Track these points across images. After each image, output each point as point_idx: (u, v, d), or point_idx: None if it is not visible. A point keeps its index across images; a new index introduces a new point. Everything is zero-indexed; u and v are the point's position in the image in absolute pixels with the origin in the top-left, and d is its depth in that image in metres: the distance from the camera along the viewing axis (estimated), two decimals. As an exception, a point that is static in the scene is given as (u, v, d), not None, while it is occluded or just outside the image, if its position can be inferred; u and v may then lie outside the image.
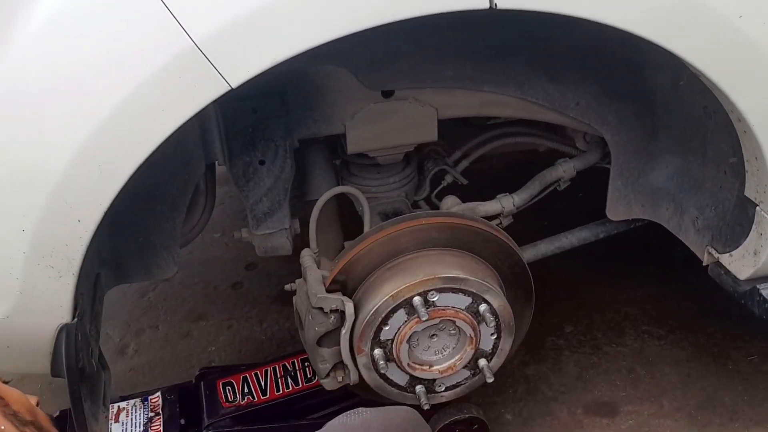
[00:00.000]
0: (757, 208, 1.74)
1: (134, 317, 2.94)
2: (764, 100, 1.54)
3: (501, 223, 2.20)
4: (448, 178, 2.37)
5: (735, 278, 1.89)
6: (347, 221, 2.50)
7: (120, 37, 1.28)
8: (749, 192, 1.75)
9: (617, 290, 2.86)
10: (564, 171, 2.26)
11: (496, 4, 1.33)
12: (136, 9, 1.27)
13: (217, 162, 1.99)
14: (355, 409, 1.67)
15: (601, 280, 2.91)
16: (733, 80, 1.51)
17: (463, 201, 2.21)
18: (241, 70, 1.33)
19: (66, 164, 1.35)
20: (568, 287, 2.89)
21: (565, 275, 2.93)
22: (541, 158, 2.56)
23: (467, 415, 2.14)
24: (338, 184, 2.19)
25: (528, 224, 3.12)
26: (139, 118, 1.33)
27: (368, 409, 1.69)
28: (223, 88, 1.33)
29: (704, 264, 1.98)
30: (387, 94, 1.97)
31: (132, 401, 2.20)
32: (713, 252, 1.93)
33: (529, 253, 2.29)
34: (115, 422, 2.15)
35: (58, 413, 1.92)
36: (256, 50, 1.31)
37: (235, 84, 1.33)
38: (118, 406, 2.20)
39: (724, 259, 1.90)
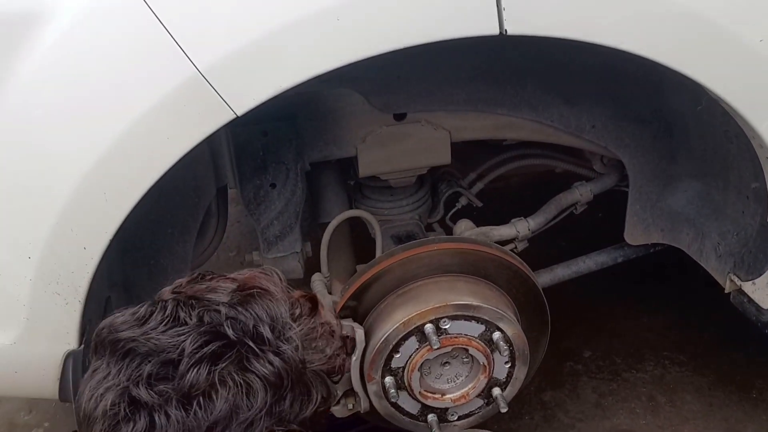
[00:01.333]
0: (781, 235, 1.69)
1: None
2: (786, 126, 1.49)
3: (516, 247, 2.16)
4: (463, 201, 2.33)
5: (758, 307, 1.84)
6: (361, 243, 2.48)
7: (125, 65, 1.28)
8: (772, 219, 1.70)
9: (637, 315, 2.79)
10: (581, 194, 2.22)
11: (506, 30, 1.31)
12: (141, 38, 1.26)
13: (228, 185, 1.97)
14: None
15: (621, 305, 2.85)
16: (754, 106, 1.47)
17: (480, 221, 2.18)
18: (247, 98, 1.31)
19: (71, 192, 1.34)
20: (587, 311, 2.83)
21: (583, 299, 2.87)
22: (559, 178, 2.52)
23: (483, 443, 2.09)
24: (351, 207, 2.17)
25: (545, 245, 3.08)
26: (143, 146, 1.32)
27: None
28: (229, 116, 1.31)
29: (726, 291, 1.92)
30: (399, 117, 1.94)
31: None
32: (735, 279, 1.88)
33: (545, 277, 2.24)
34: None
35: (69, 436, 1.91)
36: (261, 78, 1.30)
37: (240, 112, 1.31)
38: (129, 430, 2.18)
39: (747, 287, 1.85)
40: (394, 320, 1.76)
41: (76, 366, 1.52)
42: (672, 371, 2.53)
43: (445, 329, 1.77)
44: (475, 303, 1.76)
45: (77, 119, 1.31)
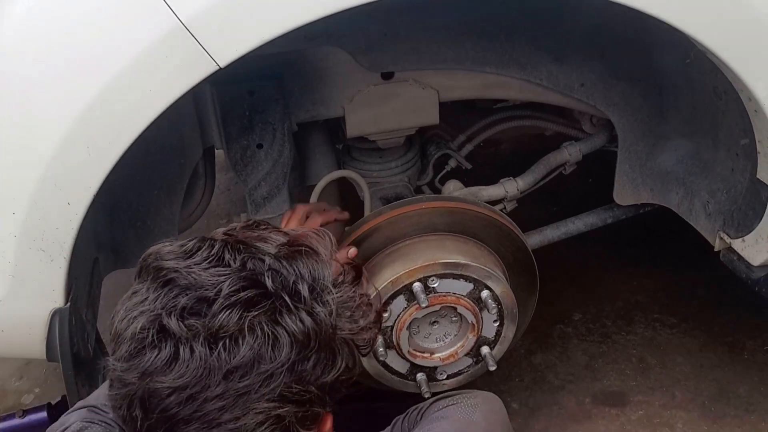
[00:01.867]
0: (770, 191, 1.68)
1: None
2: (775, 77, 1.47)
3: (505, 207, 2.15)
4: (452, 163, 2.32)
5: (748, 264, 1.83)
6: (352, 210, 2.47)
7: (106, 16, 1.25)
8: (762, 174, 1.69)
9: (628, 278, 2.80)
10: (570, 154, 2.21)
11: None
12: (122, -12, 1.24)
13: (215, 146, 1.96)
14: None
15: (612, 268, 2.86)
16: (742, 58, 1.45)
17: (472, 186, 2.17)
18: (230, 50, 1.29)
19: (54, 147, 1.33)
20: (578, 274, 2.84)
21: (574, 262, 2.89)
22: (550, 142, 2.51)
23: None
24: (339, 169, 2.15)
25: (537, 210, 3.08)
26: (126, 99, 1.30)
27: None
28: (212, 68, 1.29)
29: (716, 249, 1.92)
30: (387, 76, 1.92)
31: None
32: (725, 237, 1.87)
33: (535, 238, 2.24)
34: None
35: (59, 399, 1.91)
36: (245, 28, 1.27)
37: (223, 63, 1.29)
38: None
39: (737, 245, 1.85)
40: (382, 279, 1.76)
41: (62, 324, 1.51)
42: (662, 333, 2.55)
43: (433, 288, 1.77)
44: (463, 261, 1.76)
45: (59, 74, 1.29)
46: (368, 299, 1.01)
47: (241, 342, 0.84)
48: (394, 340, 1.80)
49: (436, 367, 1.89)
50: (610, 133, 2.20)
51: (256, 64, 1.76)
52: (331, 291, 0.93)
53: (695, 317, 2.59)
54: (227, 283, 0.87)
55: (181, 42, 1.26)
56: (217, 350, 0.84)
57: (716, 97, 1.78)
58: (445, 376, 1.92)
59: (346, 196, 2.46)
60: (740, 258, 1.84)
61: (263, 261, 0.91)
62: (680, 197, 2.00)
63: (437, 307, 1.80)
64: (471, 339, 1.85)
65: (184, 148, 1.85)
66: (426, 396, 1.87)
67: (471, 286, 1.79)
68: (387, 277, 1.76)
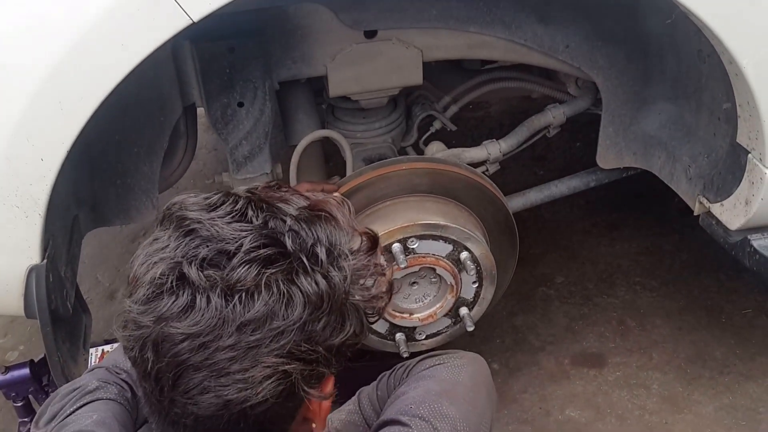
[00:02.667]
0: (749, 155, 1.68)
1: (124, 262, 2.92)
2: (756, 40, 1.47)
3: (488, 170, 2.15)
4: (437, 124, 2.31)
5: (726, 228, 1.84)
6: (335, 167, 2.47)
7: (75, -34, 1.23)
8: (741, 138, 1.69)
9: (611, 241, 2.82)
10: (553, 116, 2.20)
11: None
12: (91, -64, 1.21)
13: (195, 104, 1.94)
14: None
15: (595, 232, 2.87)
16: (723, 19, 1.44)
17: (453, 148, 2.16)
18: (202, 3, 1.27)
19: (26, 102, 1.32)
20: (562, 238, 2.85)
21: (558, 226, 2.90)
22: (538, 106, 2.50)
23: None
24: (322, 128, 2.14)
25: (523, 174, 3.10)
26: (98, 53, 1.28)
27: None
28: (185, 22, 1.28)
29: (695, 213, 1.93)
30: (370, 35, 1.90)
31: (117, 344, 2.20)
32: (704, 201, 1.88)
33: (518, 201, 2.24)
34: (99, 365, 2.15)
35: (42, 356, 1.92)
36: (218, -19, 1.26)
37: (196, 17, 1.28)
38: (103, 350, 2.19)
39: (716, 209, 1.85)
40: (361, 239, 1.76)
41: (39, 281, 1.51)
42: (643, 296, 2.57)
43: (412, 249, 1.77)
44: (442, 222, 1.76)
45: (28, 28, 1.27)
46: (382, 269, 1.02)
47: (256, 297, 0.86)
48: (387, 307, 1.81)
49: (415, 328, 1.91)
50: (594, 96, 2.19)
51: (237, 21, 1.74)
52: (347, 257, 0.94)
53: (676, 281, 2.61)
54: (248, 239, 0.88)
55: (153, -5, 1.24)
56: (233, 303, 0.85)
57: (700, 61, 1.77)
58: (424, 337, 1.94)
59: (331, 155, 2.45)
60: (718, 222, 1.85)
61: (284, 221, 0.92)
62: (662, 161, 2.00)
63: (416, 268, 1.81)
64: (450, 300, 1.86)
65: (164, 105, 1.83)
66: (405, 356, 1.89)
67: (450, 247, 1.79)
68: (366, 237, 1.76)
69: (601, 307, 2.54)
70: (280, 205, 0.95)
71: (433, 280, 1.86)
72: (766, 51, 1.48)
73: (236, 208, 0.92)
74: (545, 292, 2.62)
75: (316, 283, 0.89)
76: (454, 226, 1.77)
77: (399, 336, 1.90)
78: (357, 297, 0.95)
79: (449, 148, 2.19)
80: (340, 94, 2.00)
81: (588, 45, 1.92)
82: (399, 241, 1.76)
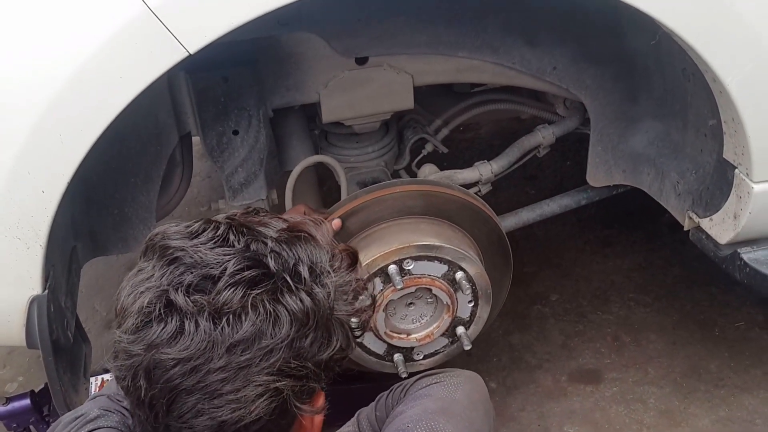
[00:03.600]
0: (736, 170, 1.72)
1: (121, 291, 2.92)
2: (738, 59, 1.50)
3: (480, 190, 2.18)
4: (429, 147, 2.34)
5: (716, 243, 1.87)
6: (329, 192, 2.49)
7: (73, 3, 1.27)
8: (728, 154, 1.73)
9: (604, 258, 2.85)
10: (543, 137, 2.23)
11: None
12: (89, -26, 1.25)
13: (191, 133, 1.97)
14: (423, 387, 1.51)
15: (588, 250, 2.90)
16: (705, 39, 1.48)
17: (445, 170, 2.19)
18: (199, 36, 1.30)
19: (27, 135, 1.34)
20: (555, 256, 2.87)
21: (551, 244, 2.93)
22: (529, 125, 2.54)
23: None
24: (316, 154, 2.17)
25: (515, 193, 3.13)
26: (96, 86, 1.31)
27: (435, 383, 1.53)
28: (181, 54, 1.31)
29: (685, 229, 1.96)
30: (361, 62, 1.94)
31: (115, 374, 2.20)
32: (694, 216, 1.91)
33: (510, 221, 2.27)
34: (98, 394, 2.16)
35: (43, 386, 1.92)
36: (213, 15, 1.29)
37: (192, 50, 1.31)
38: (102, 378, 2.19)
39: (705, 224, 1.88)
40: (358, 262, 1.78)
41: (41, 311, 1.52)
42: (637, 312, 2.59)
43: (408, 270, 1.80)
44: (437, 243, 1.79)
45: (28, 62, 1.30)
46: (364, 284, 1.05)
47: (243, 318, 0.88)
48: (371, 321, 1.83)
49: (412, 348, 1.92)
50: (583, 116, 2.23)
51: (231, 51, 1.78)
52: (329, 274, 0.97)
53: (669, 296, 2.64)
54: (232, 262, 0.91)
55: (150, 28, 1.28)
56: (221, 325, 0.88)
57: (685, 79, 1.81)
58: (421, 357, 1.95)
59: (325, 180, 2.48)
60: (708, 237, 1.88)
61: (266, 243, 0.94)
62: (651, 178, 2.04)
63: (413, 289, 1.83)
64: (446, 319, 1.88)
65: (160, 135, 1.86)
66: (403, 376, 1.90)
67: (445, 267, 1.82)
68: (363, 260, 1.77)
69: (596, 323, 2.56)
70: (260, 228, 0.97)
71: (430, 300, 1.88)
72: (748, 69, 1.52)
73: (218, 233, 0.95)
74: (540, 310, 2.65)
75: (301, 301, 0.91)
76: (448, 246, 1.79)
77: (397, 357, 1.92)
78: (341, 312, 0.98)
79: (441, 170, 2.22)
80: (333, 119, 2.03)
81: (575, 66, 1.97)
82: (395, 262, 1.78)
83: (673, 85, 1.88)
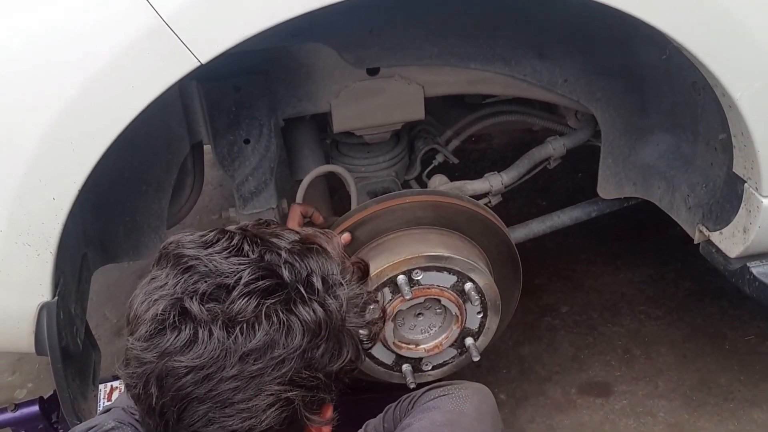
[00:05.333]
0: (746, 184, 1.71)
1: (132, 298, 2.94)
2: (746, 73, 1.50)
3: (490, 201, 2.18)
4: (440, 158, 2.35)
5: (726, 256, 1.86)
6: (340, 201, 2.50)
7: (87, 12, 1.28)
8: (737, 168, 1.72)
9: (615, 270, 2.84)
10: (554, 149, 2.23)
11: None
12: (103, -16, 1.26)
13: (203, 142, 1.98)
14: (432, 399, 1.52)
15: (599, 262, 2.89)
16: (714, 54, 1.48)
17: (456, 180, 2.20)
18: (211, 46, 1.31)
19: (38, 142, 1.35)
20: (566, 268, 2.87)
21: (562, 256, 2.92)
22: (541, 136, 2.54)
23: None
24: (327, 164, 2.18)
25: (526, 204, 3.13)
26: (108, 95, 1.33)
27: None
28: (193, 64, 1.32)
29: (695, 242, 1.95)
30: (372, 72, 1.94)
31: (125, 382, 2.21)
32: (704, 230, 1.90)
33: (520, 232, 2.27)
34: (107, 401, 2.16)
35: (51, 393, 1.93)
36: (225, 25, 1.30)
37: (204, 60, 1.32)
38: (111, 385, 2.20)
39: (715, 237, 1.88)
40: (366, 272, 1.79)
41: (50, 318, 1.53)
42: (647, 325, 2.58)
43: (417, 280, 1.80)
44: (446, 254, 1.79)
45: (42, 69, 1.31)
46: (375, 297, 1.08)
47: (257, 328, 0.89)
48: (381, 333, 1.83)
49: (421, 358, 1.92)
50: (594, 128, 2.23)
51: (242, 60, 1.79)
52: (341, 286, 0.99)
53: (679, 309, 2.62)
54: (247, 271, 0.92)
55: (162, 39, 1.29)
56: (234, 334, 0.88)
57: (695, 93, 1.80)
58: (430, 367, 1.95)
59: (337, 189, 2.49)
60: (718, 250, 1.87)
61: (279, 254, 0.96)
62: (662, 191, 2.03)
63: (421, 299, 1.83)
64: (455, 330, 1.88)
65: (172, 143, 1.87)
66: (411, 387, 1.90)
67: (454, 278, 1.81)
68: (372, 270, 1.78)
69: (606, 336, 2.55)
70: (273, 239, 0.99)
71: (438, 311, 1.88)
72: (758, 83, 1.52)
73: (232, 243, 0.96)
74: (550, 322, 2.64)
75: (314, 312, 0.92)
76: (457, 257, 1.79)
77: (405, 367, 1.92)
78: (352, 324, 0.99)
79: (453, 180, 2.23)
80: (344, 129, 2.04)
81: (585, 79, 1.97)
82: (404, 273, 1.78)
83: (683, 98, 1.87)
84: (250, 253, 0.95)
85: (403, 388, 1.91)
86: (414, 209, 1.86)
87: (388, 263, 1.78)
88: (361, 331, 1.02)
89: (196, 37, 1.30)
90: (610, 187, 2.12)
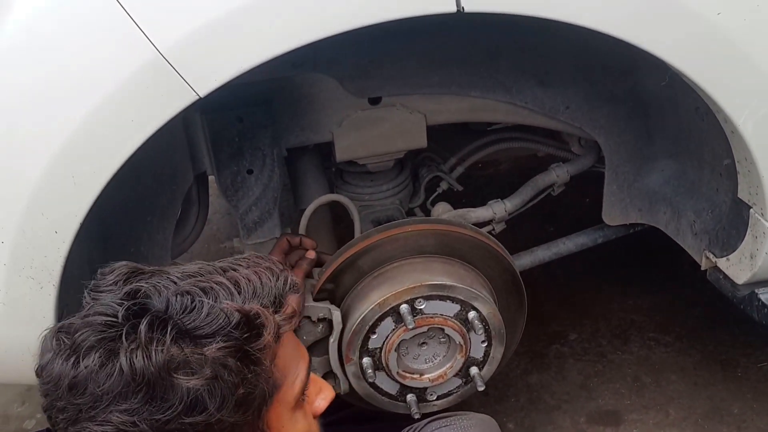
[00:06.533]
0: (751, 210, 1.70)
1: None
2: (748, 99, 1.49)
3: (494, 229, 2.17)
4: (444, 185, 2.34)
5: (733, 283, 1.85)
6: (344, 230, 2.49)
7: (85, 48, 1.30)
8: (742, 194, 1.71)
9: (623, 297, 2.81)
10: (557, 176, 2.22)
11: (463, 8, 1.32)
12: (101, 20, 1.27)
13: (206, 172, 1.99)
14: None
15: (607, 287, 2.87)
16: (714, 79, 1.47)
17: (459, 208, 2.19)
18: (209, 79, 1.32)
19: (40, 177, 1.36)
20: (574, 294, 2.85)
21: (570, 282, 2.90)
22: (546, 163, 2.54)
23: (465, 424, 2.10)
24: (331, 192, 2.18)
25: (533, 230, 3.11)
26: (107, 129, 1.33)
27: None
28: (192, 98, 1.33)
29: (702, 268, 1.94)
30: (374, 101, 1.95)
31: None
32: (711, 256, 1.89)
33: (526, 259, 2.26)
34: None
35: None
36: (222, 58, 1.31)
37: (203, 93, 1.33)
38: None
39: (722, 264, 1.86)
40: (370, 301, 1.78)
41: (54, 350, 1.54)
42: (657, 352, 2.55)
43: (420, 309, 1.79)
44: (449, 283, 1.78)
45: (42, 104, 1.33)
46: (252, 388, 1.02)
47: (81, 361, 0.94)
48: (383, 361, 1.82)
49: (425, 388, 1.90)
50: (598, 154, 2.21)
51: (245, 91, 1.81)
52: (213, 338, 0.99)
53: (690, 336, 2.59)
54: (101, 302, 1.01)
55: (160, 72, 1.30)
56: (69, 363, 0.95)
57: (699, 119, 1.79)
58: (435, 397, 1.93)
59: (343, 218, 2.49)
60: (725, 277, 1.85)
61: (151, 293, 1.02)
62: (668, 217, 2.02)
63: (425, 329, 1.82)
64: (459, 360, 1.86)
65: (176, 174, 1.88)
66: (416, 417, 1.88)
67: (458, 307, 1.80)
68: (374, 299, 1.78)
69: (615, 363, 2.52)
70: (154, 280, 1.04)
71: (442, 340, 1.87)
72: (759, 109, 1.51)
73: (116, 278, 1.07)
74: (559, 350, 2.61)
75: (134, 360, 0.93)
76: (460, 286, 1.78)
77: (410, 397, 1.90)
78: (187, 384, 0.95)
79: (460, 207, 2.22)
80: (347, 158, 2.05)
81: (588, 105, 1.96)
82: (407, 302, 1.77)
83: (687, 124, 1.87)
84: (114, 287, 1.03)
85: (408, 418, 1.89)
86: (416, 238, 1.85)
87: (390, 292, 1.77)
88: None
89: (194, 70, 1.31)
90: (616, 213, 2.11)
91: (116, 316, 0.95)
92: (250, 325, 1.02)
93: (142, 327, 0.95)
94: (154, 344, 0.94)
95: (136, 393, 0.93)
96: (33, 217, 1.40)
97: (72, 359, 0.93)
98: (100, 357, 0.92)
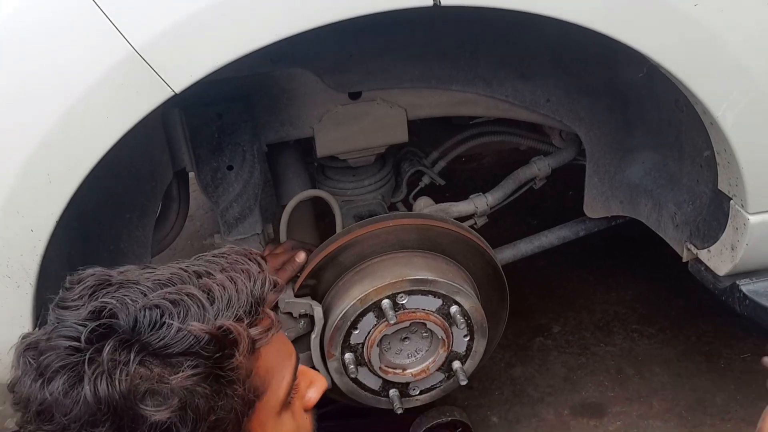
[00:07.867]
0: (731, 201, 1.70)
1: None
2: (726, 91, 1.49)
3: (476, 223, 2.17)
4: (426, 179, 2.34)
5: (714, 274, 1.85)
6: (327, 225, 2.49)
7: (60, 46, 1.27)
8: (722, 185, 1.71)
9: (607, 289, 2.82)
10: (539, 169, 2.23)
11: (440, 1, 1.31)
12: (75, 18, 1.25)
13: (186, 169, 1.98)
14: None
15: (591, 280, 2.88)
16: (692, 71, 1.47)
17: (441, 202, 2.19)
18: (184, 75, 1.31)
19: (15, 175, 1.34)
20: (557, 287, 2.85)
21: (554, 275, 2.90)
22: (530, 156, 2.53)
23: (450, 418, 2.11)
24: (313, 188, 2.17)
25: (516, 223, 3.11)
26: (83, 126, 1.32)
27: None
28: (167, 94, 1.31)
29: (684, 260, 1.94)
30: (354, 96, 1.94)
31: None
32: (692, 248, 1.89)
33: (508, 253, 2.26)
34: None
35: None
36: (197, 54, 1.30)
37: (178, 89, 1.31)
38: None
39: (703, 255, 1.86)
40: (351, 297, 1.78)
41: (31, 350, 1.52)
42: (641, 344, 2.56)
43: (402, 304, 1.78)
44: (431, 277, 1.78)
45: (16, 102, 1.31)
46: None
47: (46, 385, 0.91)
48: (366, 357, 1.82)
49: (408, 383, 1.90)
50: (579, 147, 2.22)
51: (224, 87, 1.79)
52: (181, 366, 0.93)
53: (673, 327, 2.60)
54: (67, 322, 0.97)
55: (135, 69, 1.28)
56: (36, 385, 0.92)
57: (678, 110, 1.80)
58: (417, 392, 1.93)
59: (326, 213, 2.47)
60: (707, 268, 1.86)
61: (120, 308, 0.96)
62: (649, 209, 2.02)
63: (407, 324, 1.81)
64: (442, 354, 1.86)
65: (155, 171, 1.87)
66: (398, 412, 1.88)
67: (440, 301, 1.80)
68: (356, 294, 1.77)
69: (599, 356, 2.53)
70: (121, 293, 0.98)
71: (425, 334, 1.87)
72: (737, 100, 1.51)
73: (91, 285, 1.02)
74: (542, 343, 2.62)
75: (97, 388, 0.90)
76: (442, 280, 1.78)
77: (392, 392, 1.90)
78: (155, 417, 0.91)
79: (443, 200, 2.21)
80: (328, 154, 2.04)
81: (568, 98, 1.96)
82: (388, 297, 1.77)
83: (667, 115, 1.87)
84: (79, 302, 0.98)
85: (391, 413, 1.89)
86: (398, 232, 1.85)
87: (372, 287, 1.77)
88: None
89: (169, 66, 1.29)
90: (597, 205, 2.11)
91: (79, 340, 0.91)
92: (221, 344, 0.96)
93: (106, 352, 0.91)
94: (119, 370, 0.90)
95: (104, 422, 0.89)
96: (8, 215, 1.38)
97: (39, 382, 0.91)
98: (64, 384, 0.89)
